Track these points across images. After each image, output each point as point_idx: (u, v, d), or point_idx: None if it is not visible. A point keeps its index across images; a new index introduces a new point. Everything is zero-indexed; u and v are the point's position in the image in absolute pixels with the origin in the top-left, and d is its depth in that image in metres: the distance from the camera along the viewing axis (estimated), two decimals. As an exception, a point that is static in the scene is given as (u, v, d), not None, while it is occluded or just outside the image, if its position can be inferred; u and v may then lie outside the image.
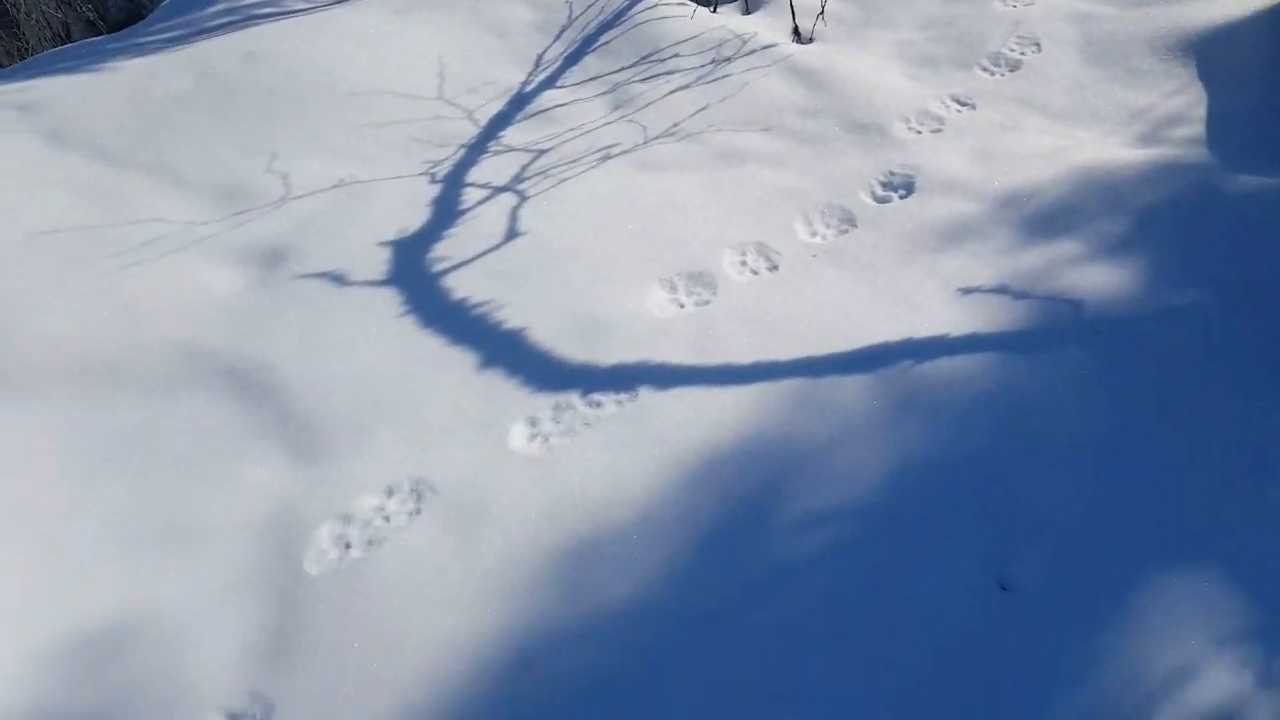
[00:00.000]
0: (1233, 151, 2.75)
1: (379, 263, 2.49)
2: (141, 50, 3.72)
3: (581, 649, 1.75)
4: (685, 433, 2.11)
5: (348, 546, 1.90)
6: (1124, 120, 2.95)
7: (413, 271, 2.46)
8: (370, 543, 1.90)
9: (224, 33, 3.72)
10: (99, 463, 1.95)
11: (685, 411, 2.15)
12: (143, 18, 4.54)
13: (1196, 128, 2.85)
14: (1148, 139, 2.86)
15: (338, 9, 3.85)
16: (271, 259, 2.49)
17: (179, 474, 1.96)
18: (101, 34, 4.59)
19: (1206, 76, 3.01)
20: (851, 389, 2.19)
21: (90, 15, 4.78)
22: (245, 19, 3.83)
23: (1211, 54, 3.07)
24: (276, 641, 1.74)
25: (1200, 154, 2.73)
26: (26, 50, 5.18)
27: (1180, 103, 2.94)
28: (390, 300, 2.39)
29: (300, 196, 2.71)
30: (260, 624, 1.76)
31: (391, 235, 2.58)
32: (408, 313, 2.36)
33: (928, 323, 2.35)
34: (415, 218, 2.64)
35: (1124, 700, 1.61)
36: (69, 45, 4.23)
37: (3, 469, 1.90)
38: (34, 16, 4.96)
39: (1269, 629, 1.64)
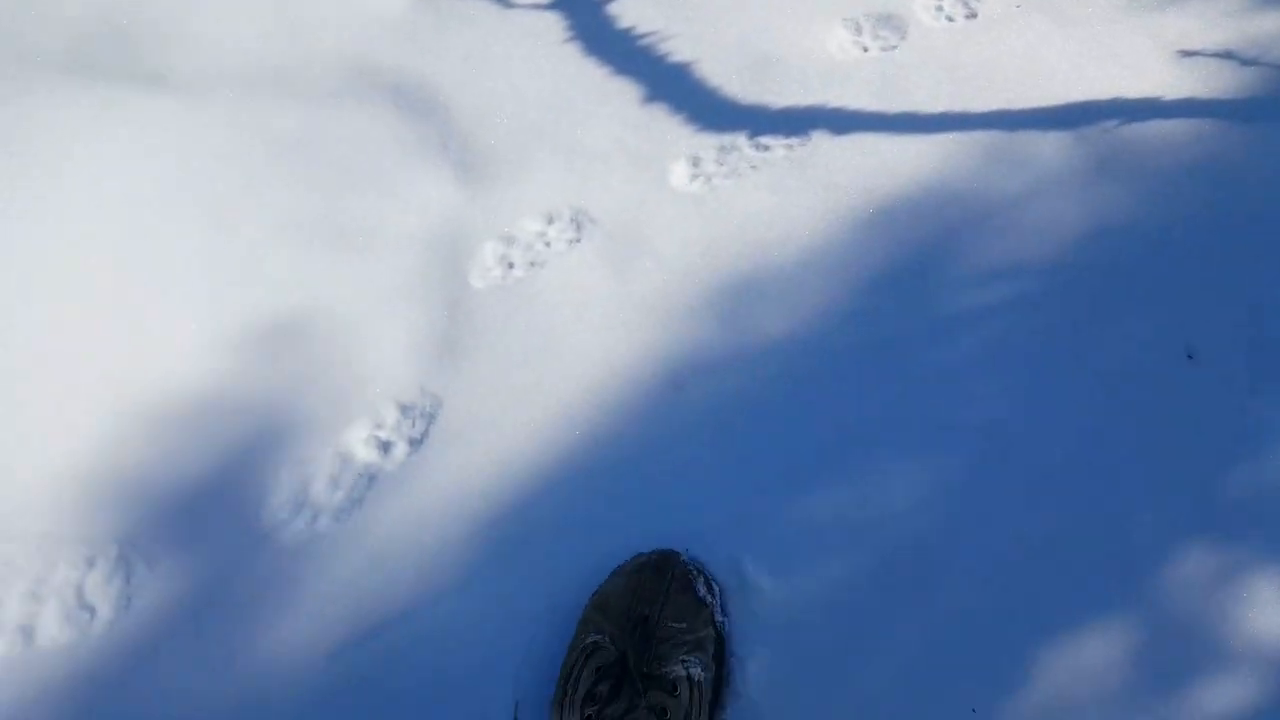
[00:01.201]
0: None
1: (544, -14, 2.32)
2: None
3: (733, 376, 1.72)
4: (860, 180, 1.95)
5: (510, 266, 1.87)
6: None
7: (580, -4, 2.28)
8: (532, 264, 1.87)
9: None
10: (268, 165, 1.95)
11: (861, 159, 1.98)
12: None
13: None
14: None
15: None
16: (441, -24, 2.35)
17: (347, 183, 1.95)
18: None
19: None
20: (1048, 146, 1.97)
21: None
22: None
23: None
24: (443, 344, 1.76)
25: None
26: None
27: None
28: (554, 25, 2.24)
29: (469, -87, 2.52)
30: (428, 327, 1.78)
31: (560, -42, 2.39)
32: (572, 39, 2.21)
33: (1139, 83, 2.07)
34: (585, -60, 2.42)
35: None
36: None
37: (175, 160, 1.92)
38: None
39: None
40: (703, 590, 1.42)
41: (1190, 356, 1.69)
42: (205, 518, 1.54)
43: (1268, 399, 1.63)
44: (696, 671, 1.31)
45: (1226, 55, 2.13)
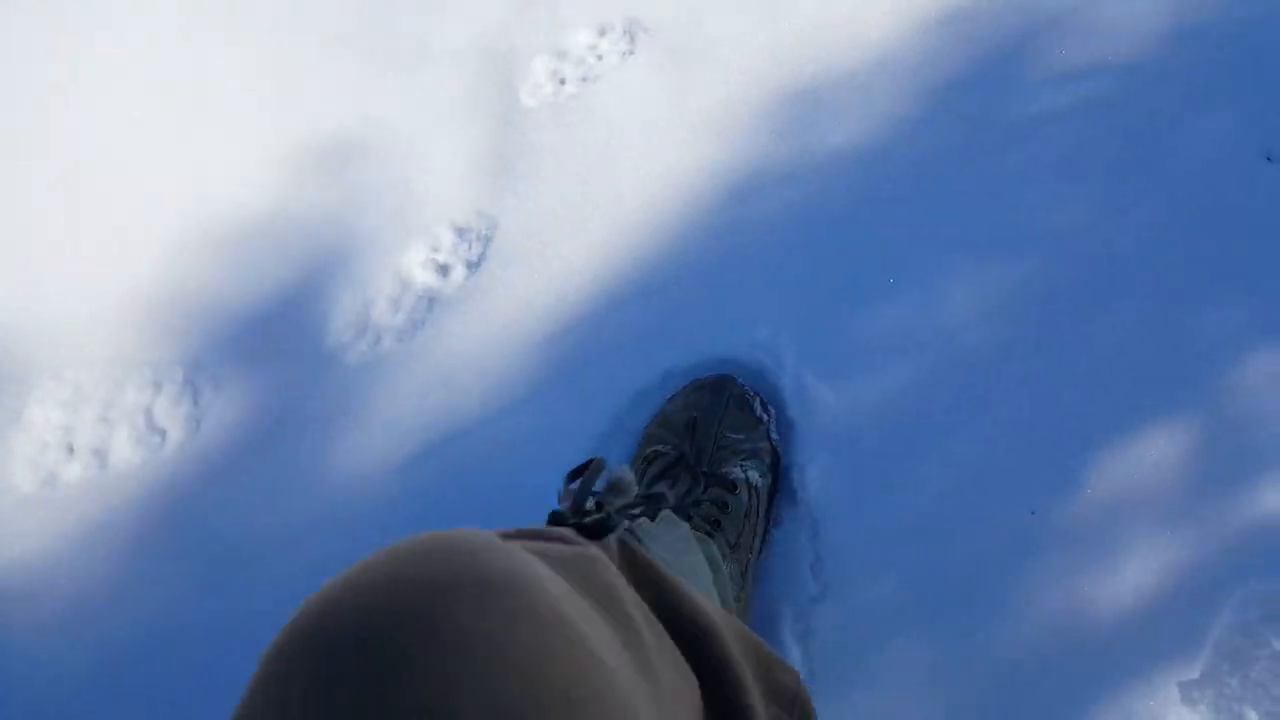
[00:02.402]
0: None
1: None
2: None
3: (796, 187, 1.58)
4: (934, -18, 1.70)
5: (562, 82, 1.71)
6: None
7: None
8: (584, 79, 1.71)
9: None
10: None
11: (935, -41, 1.73)
12: None
13: None
14: None
15: None
16: None
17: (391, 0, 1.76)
18: None
19: None
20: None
21: None
22: None
23: None
24: (496, 164, 1.64)
25: None
26: None
27: None
28: None
29: None
30: (482, 146, 1.66)
31: None
32: None
33: None
34: None
35: None
36: None
37: None
38: None
39: None
40: (759, 409, 1.37)
41: (1270, 159, 1.53)
42: (269, 340, 1.48)
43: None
44: (754, 476, 1.25)
45: None
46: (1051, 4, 1.69)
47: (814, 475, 1.36)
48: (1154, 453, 1.32)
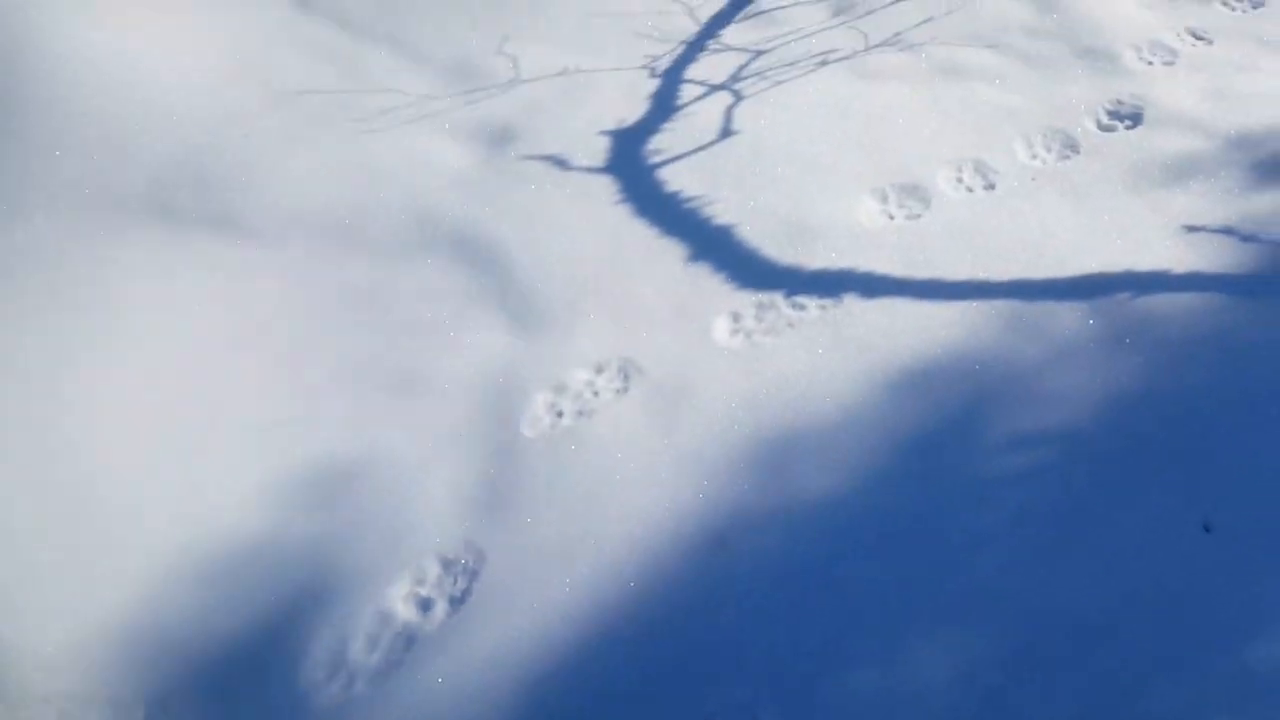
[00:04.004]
0: None
1: (598, 151, 2.32)
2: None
3: (772, 533, 1.61)
4: (889, 341, 1.87)
5: (560, 415, 1.76)
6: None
7: (629, 162, 2.28)
8: (581, 413, 1.76)
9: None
10: (332, 311, 1.88)
11: (890, 321, 1.91)
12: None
13: None
14: None
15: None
16: (499, 138, 2.37)
17: (406, 330, 1.87)
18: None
19: None
20: (1066, 316, 1.91)
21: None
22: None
23: None
24: (491, 494, 1.64)
25: None
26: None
27: None
28: (607, 187, 2.21)
29: (528, 80, 2.55)
30: (477, 476, 1.67)
31: (611, 125, 2.40)
32: (622, 201, 2.18)
33: (1149, 257, 2.02)
34: (634, 110, 2.44)
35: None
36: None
37: (242, 303, 1.85)
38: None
39: None
40: None
41: (1207, 529, 1.57)
42: (240, 679, 1.39)
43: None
44: None
45: (1228, 231, 2.09)
46: (1000, 371, 1.81)
47: None
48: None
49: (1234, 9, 2.73)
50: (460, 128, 2.36)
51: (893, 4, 2.80)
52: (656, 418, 1.75)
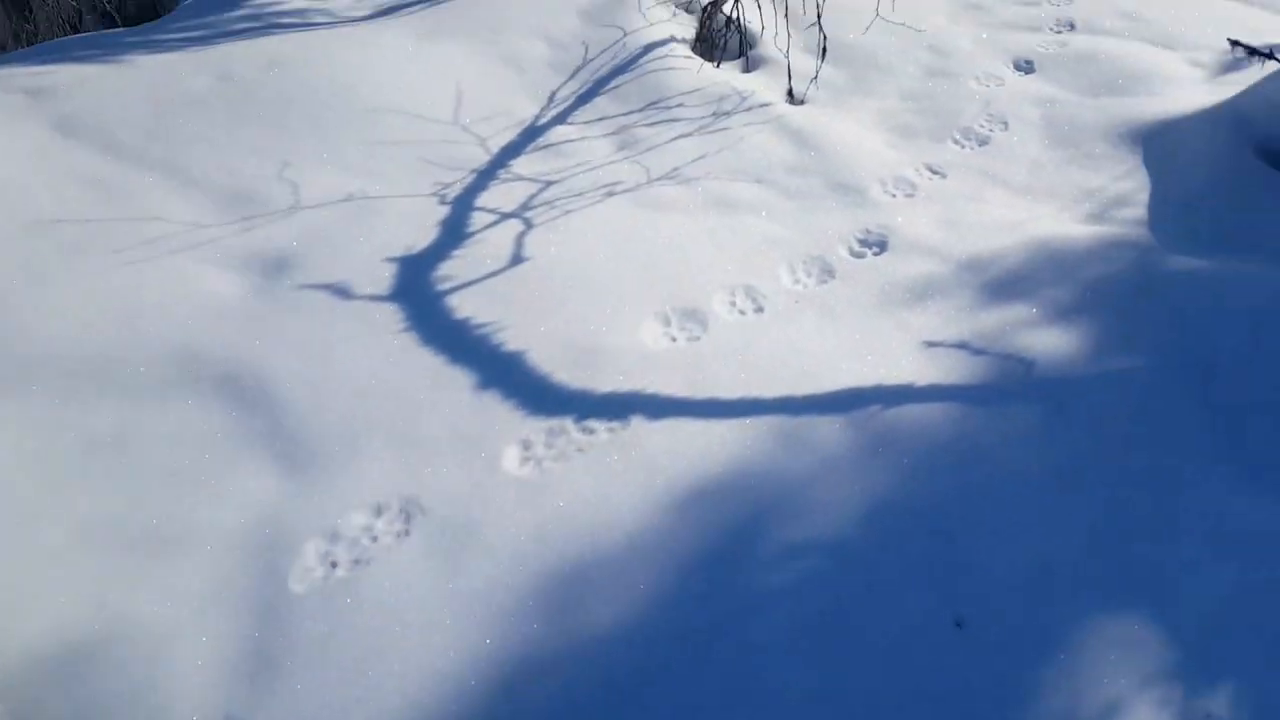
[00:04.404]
0: (1171, 234, 2.71)
1: (383, 278, 2.29)
2: (159, 47, 3.42)
3: (560, 677, 1.60)
4: (674, 463, 1.95)
5: (334, 565, 1.68)
6: (1077, 198, 2.88)
7: (416, 289, 2.26)
8: (357, 562, 1.69)
9: (245, 38, 3.44)
10: (78, 464, 1.72)
11: (674, 442, 2.00)
12: (159, 15, 4.18)
13: (1140, 210, 2.81)
14: (1097, 217, 2.80)
15: (361, 27, 3.60)
16: (275, 267, 2.27)
17: (162, 481, 1.73)
18: (115, 26, 4.21)
19: (1152, 164, 2.98)
20: (826, 429, 2.08)
21: (106, 7, 4.39)
22: (267, 27, 3.56)
23: (1158, 144, 3.05)
24: (256, 661, 1.53)
25: (1143, 234, 2.70)
26: (36, 35, 4.70)
27: (1128, 186, 2.89)
28: (391, 316, 2.18)
29: (309, 207, 2.49)
30: (240, 642, 1.55)
31: (397, 252, 2.38)
32: (408, 329, 2.15)
33: (896, 372, 2.26)
34: (422, 237, 2.44)
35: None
36: (82, 35, 3.85)
37: None
38: (49, 1, 4.52)
39: (1186, 670, 1.60)
40: None
41: (959, 625, 1.72)
42: None
43: (1027, 665, 1.67)
44: None
45: (962, 346, 2.38)
46: (773, 485, 1.91)
47: None
48: None
49: (964, 146, 3.18)
50: (232, 256, 2.25)
51: (671, 142, 3.04)
52: (440, 561, 1.71)
